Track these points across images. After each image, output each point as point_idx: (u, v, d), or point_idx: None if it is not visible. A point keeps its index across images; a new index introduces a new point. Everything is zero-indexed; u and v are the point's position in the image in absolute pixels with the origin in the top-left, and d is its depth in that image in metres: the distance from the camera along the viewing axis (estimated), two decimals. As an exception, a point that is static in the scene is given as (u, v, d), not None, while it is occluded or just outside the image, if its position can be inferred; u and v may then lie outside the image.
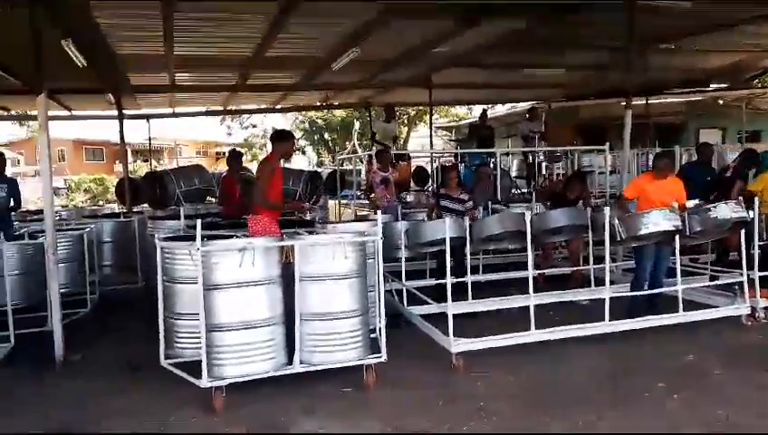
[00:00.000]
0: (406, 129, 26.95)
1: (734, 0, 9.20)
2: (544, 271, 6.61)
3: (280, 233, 4.83)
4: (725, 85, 16.97)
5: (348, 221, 6.61)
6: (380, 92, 15.74)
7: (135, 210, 10.41)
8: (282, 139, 5.14)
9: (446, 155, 14.19)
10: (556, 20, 9.39)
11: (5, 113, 14.10)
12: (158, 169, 14.69)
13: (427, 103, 15.22)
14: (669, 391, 3.89)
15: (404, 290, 5.63)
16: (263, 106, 18.03)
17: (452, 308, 4.68)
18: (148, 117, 15.38)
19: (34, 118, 15.28)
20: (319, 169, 16.64)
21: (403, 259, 5.73)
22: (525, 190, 10.44)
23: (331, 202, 11.21)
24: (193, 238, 3.94)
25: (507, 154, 11.15)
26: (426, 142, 17.41)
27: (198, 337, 3.87)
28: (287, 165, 11.11)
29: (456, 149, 13.05)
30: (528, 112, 13.29)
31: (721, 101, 16.10)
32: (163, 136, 30.55)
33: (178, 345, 4.27)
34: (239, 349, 3.85)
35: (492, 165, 9.82)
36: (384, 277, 4.51)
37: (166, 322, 4.26)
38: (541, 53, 12.44)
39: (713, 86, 17.06)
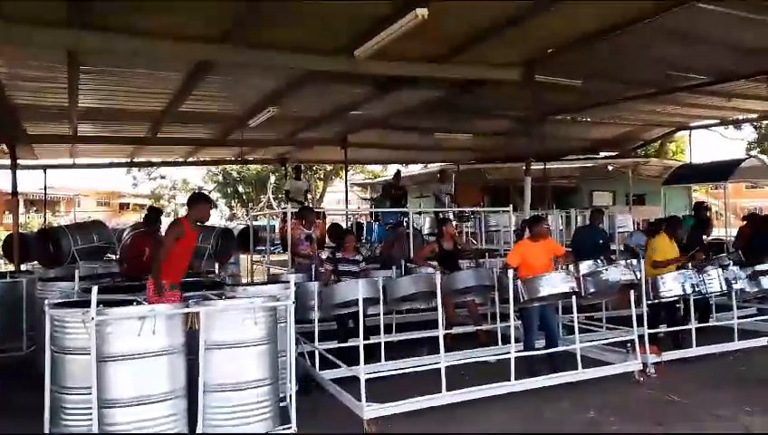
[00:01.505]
0: (322, 184, 27.16)
1: (616, 80, 10.40)
2: (451, 331, 6.74)
3: (180, 298, 4.61)
4: (614, 153, 18.77)
5: (260, 283, 6.44)
6: (297, 149, 15.90)
7: (24, 269, 9.55)
8: (197, 202, 4.90)
9: (360, 213, 14.37)
10: (464, 92, 10.10)
11: None
12: (53, 225, 13.67)
13: (342, 161, 15.49)
14: (572, 449, 4.05)
15: (316, 353, 5.52)
16: (173, 159, 17.53)
17: (364, 372, 4.64)
18: (45, 168, 14.45)
19: None
20: (231, 224, 16.24)
21: (316, 320, 5.65)
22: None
23: (243, 257, 10.93)
24: (87, 304, 3.68)
25: (419, 213, 11.50)
26: (341, 197, 17.60)
27: (89, 414, 3.55)
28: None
29: (371, 207, 13.28)
30: (439, 174, 13.89)
31: (610, 168, 17.71)
32: (62, 185, 28.62)
33: (66, 422, 3.88)
34: (136, 426, 3.57)
35: (405, 224, 10.08)
36: (296, 340, 4.42)
37: (52, 395, 3.88)
38: (452, 120, 13.22)
39: (603, 154, 18.81)
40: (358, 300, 5.07)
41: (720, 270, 6.29)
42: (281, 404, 4.16)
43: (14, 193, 11.78)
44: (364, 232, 10.65)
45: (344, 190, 16.03)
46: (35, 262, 9.62)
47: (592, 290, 5.78)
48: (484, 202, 15.69)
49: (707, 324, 6.86)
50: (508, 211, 10.20)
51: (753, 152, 21.78)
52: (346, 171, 15.86)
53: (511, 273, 5.37)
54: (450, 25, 7.03)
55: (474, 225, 11.49)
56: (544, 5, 6.53)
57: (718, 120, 15.60)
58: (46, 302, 4.35)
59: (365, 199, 20.46)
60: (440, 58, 8.12)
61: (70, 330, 3.92)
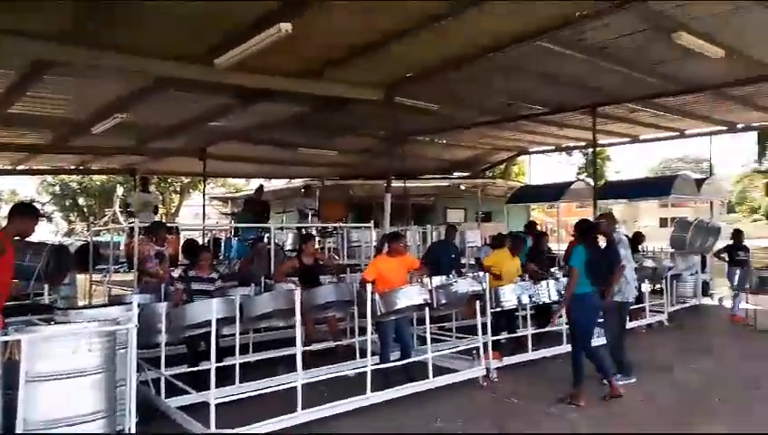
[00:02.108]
0: (178, 197, 25.68)
1: (467, 107, 11.26)
2: (311, 348, 6.71)
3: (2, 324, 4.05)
4: (466, 174, 20.20)
5: (98, 306, 5.88)
6: (149, 160, 14.89)
7: None
8: (21, 214, 4.26)
9: (219, 228, 13.80)
10: (329, 109, 10.25)
11: None
12: None
13: (200, 174, 14.81)
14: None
15: (162, 379, 5.15)
16: (1, 166, 15.46)
17: (215, 396, 4.43)
18: None
19: None
20: (67, 240, 14.64)
21: (163, 344, 5.27)
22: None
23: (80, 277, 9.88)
24: None
25: (281, 229, 11.33)
26: (200, 211, 16.76)
27: None
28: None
29: (231, 222, 12.83)
30: (303, 189, 13.85)
31: (462, 187, 19.03)
32: None
33: None
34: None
35: (266, 239, 9.87)
36: (139, 366, 4.08)
37: None
38: (317, 136, 13.31)
39: (456, 174, 20.16)
40: (211, 321, 4.84)
41: (552, 281, 7.00)
42: (120, 438, 3.81)
43: None
44: (222, 248, 10.24)
45: (201, 204, 15.31)
46: None
47: (444, 301, 6.10)
48: (348, 218, 15.92)
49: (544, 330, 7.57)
50: (370, 227, 10.45)
51: (581, 176, 24.84)
52: (204, 184, 15.18)
53: (369, 287, 5.50)
54: (314, 43, 7.11)
55: (336, 240, 11.58)
56: (402, 34, 6.89)
57: (553, 147, 17.56)
58: None
59: (225, 214, 19.69)
60: (304, 74, 8.16)
61: None
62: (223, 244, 10.41)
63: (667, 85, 9.51)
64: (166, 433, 4.64)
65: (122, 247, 9.31)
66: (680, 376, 6.27)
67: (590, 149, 14.42)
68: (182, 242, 10.22)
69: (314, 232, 11.40)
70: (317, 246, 8.24)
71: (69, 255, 9.38)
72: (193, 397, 4.90)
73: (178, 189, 25.33)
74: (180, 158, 14.65)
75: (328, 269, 8.13)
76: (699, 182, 12.18)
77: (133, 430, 3.80)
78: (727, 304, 10.12)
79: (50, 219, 26.11)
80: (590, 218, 7.33)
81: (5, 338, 3.55)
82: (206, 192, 15.98)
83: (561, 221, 19.14)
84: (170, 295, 6.13)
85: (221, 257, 9.94)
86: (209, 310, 4.94)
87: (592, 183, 12.37)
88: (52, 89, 8.56)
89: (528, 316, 7.17)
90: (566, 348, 6.81)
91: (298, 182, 18.54)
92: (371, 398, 5.11)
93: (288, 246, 11.76)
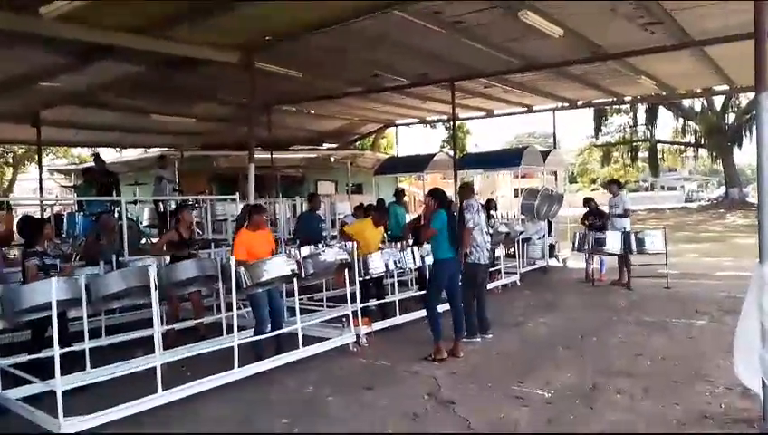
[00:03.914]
0: (11, 170, 22.63)
1: (334, 76, 11.14)
2: (174, 326, 6.35)
3: None
4: (335, 146, 20.20)
5: None
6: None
7: None
8: None
9: (60, 203, 12.40)
10: (181, 71, 9.50)
11: None
12: None
13: (35, 143, 13.10)
14: (292, 426, 4.20)
15: (-3, 370, 4.54)
16: None
17: (61, 383, 4.00)
18: None
19: None
20: None
21: (-5, 332, 4.64)
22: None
23: None
24: None
25: (135, 202, 10.45)
26: (37, 186, 14.89)
27: None
28: None
29: (75, 196, 11.58)
30: (159, 159, 12.91)
31: (332, 159, 19.01)
32: None
33: None
34: None
35: (117, 214, 9.05)
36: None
37: None
38: (170, 101, 12.34)
39: (326, 145, 20.08)
40: (51, 303, 4.32)
41: (415, 248, 7.28)
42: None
43: None
44: (65, 225, 9.20)
45: (38, 178, 13.60)
46: None
47: (312, 271, 6.07)
48: (212, 190, 15.17)
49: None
50: (235, 199, 10.05)
51: (444, 149, 26.07)
52: (39, 155, 13.41)
53: (233, 259, 5.28)
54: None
55: (200, 213, 10.97)
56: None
57: (417, 120, 18.16)
58: None
59: (68, 187, 17.70)
60: (149, 30, 7.43)
61: None
62: (66, 220, 9.34)
63: (515, 62, 10.17)
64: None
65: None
66: (531, 330, 6.91)
67: (451, 123, 15.12)
68: (16, 219, 9.01)
69: (173, 205, 10.72)
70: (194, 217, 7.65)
71: None
72: (37, 386, 4.39)
73: (11, 161, 22.24)
74: (8, 124, 12.81)
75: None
76: (545, 154, 13.34)
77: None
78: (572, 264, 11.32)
79: None
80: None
81: None
82: (46, 164, 14.15)
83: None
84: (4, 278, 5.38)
85: (64, 235, 8.93)
86: (49, 290, 4.41)
87: (453, 155, 13.00)
88: None
89: (396, 283, 7.39)
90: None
91: (154, 152, 17.20)
92: (238, 372, 4.96)
93: (145, 221, 10.95)
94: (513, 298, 8.94)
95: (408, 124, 18.92)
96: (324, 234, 9.37)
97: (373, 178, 15.28)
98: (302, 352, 5.52)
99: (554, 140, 16.91)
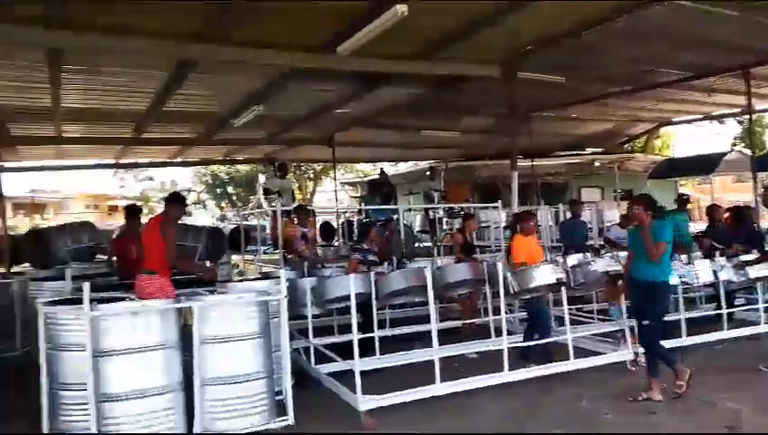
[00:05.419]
0: (312, 184, 27.16)
1: (596, 78, 10.53)
2: (474, 320, 6.80)
3: (175, 293, 4.66)
4: (600, 150, 18.96)
5: (251, 279, 6.46)
6: (285, 148, 15.87)
7: (14, 271, 9.44)
8: (178, 201, 5.21)
9: (350, 211, 14.41)
10: (447, 89, 10.17)
11: None
12: (42, 227, 13.50)
13: (330, 160, 15.51)
14: (565, 436, 4.13)
15: (311, 348, 5.55)
16: (160, 160, 17.43)
17: (359, 365, 4.68)
18: (30, 169, 14.30)
19: None
20: (221, 224, 16.18)
21: (309, 316, 5.67)
22: (429, 244, 10.86)
23: (235, 258, 10.90)
24: (80, 301, 3.69)
25: (409, 210, 11.55)
26: (331, 196, 17.64)
27: (87, 409, 3.55)
28: (187, 220, 10.75)
29: (360, 205, 13.33)
30: (429, 171, 13.97)
31: (597, 163, 17.88)
32: (49, 188, 28.32)
33: (65, 418, 3.86)
34: (134, 419, 3.58)
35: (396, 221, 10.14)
36: (290, 335, 4.44)
37: (50, 393, 3.86)
38: (437, 117, 13.29)
39: (589, 150, 18.99)
40: (350, 295, 5.09)
41: (708, 261, 6.40)
42: (277, 398, 4.19)
43: (1, 196, 11.64)
44: (355, 230, 10.69)
45: (333, 190, 16.07)
46: (26, 264, 9.53)
47: (581, 281, 5.87)
48: (474, 199, 15.78)
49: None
50: (497, 207, 10.28)
51: (737, 147, 22.16)
52: (335, 170, 15.86)
53: (500, 265, 5.45)
54: (429, 23, 7.07)
55: (463, 222, 11.55)
56: (519, 5, 6.61)
57: (701, 116, 15.84)
58: (39, 300, 4.34)
59: (355, 198, 20.51)
60: (420, 55, 8.16)
61: (64, 326, 3.90)
62: (356, 226, 10.86)
63: None
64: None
65: (268, 230, 10.11)
66: None
67: (745, 117, 12.79)
68: (318, 224, 10.86)
69: (441, 213, 11.51)
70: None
71: (224, 237, 10.45)
72: (339, 365, 5.21)
73: (312, 176, 26.77)
74: (311, 145, 15.46)
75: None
76: None
77: (290, 391, 4.14)
78: None
79: (205, 206, 29.00)
80: (749, 195, 6.57)
81: (181, 305, 4.05)
82: (337, 178, 16.69)
83: (716, 199, 17.26)
84: (314, 272, 6.58)
85: (354, 239, 10.39)
86: (348, 285, 5.22)
87: (750, 153, 10.99)
88: (199, 86, 9.41)
89: (680, 299, 6.60)
90: (726, 334, 6.26)
91: (423, 165, 18.70)
92: (508, 375, 5.07)
93: (417, 227, 12.00)
94: None
95: (688, 121, 16.64)
96: (591, 242, 8.93)
97: (648, 183, 13.89)
98: (573, 363, 5.36)
99: None
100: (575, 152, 18.76)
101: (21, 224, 24.10)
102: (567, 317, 5.60)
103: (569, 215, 11.10)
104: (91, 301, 3.63)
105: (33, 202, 29.40)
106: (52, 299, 4.61)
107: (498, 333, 5.78)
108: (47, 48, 6.77)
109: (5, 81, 8.18)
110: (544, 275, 5.62)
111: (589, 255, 6.94)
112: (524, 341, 5.70)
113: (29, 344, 5.86)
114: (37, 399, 3.84)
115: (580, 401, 4.80)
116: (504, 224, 10.17)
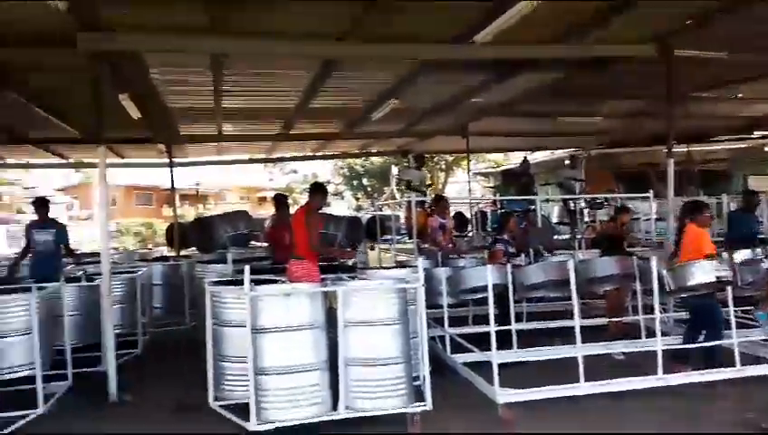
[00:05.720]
0: (443, 175, 27.20)
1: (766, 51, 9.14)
2: (621, 319, 6.39)
3: (320, 278, 4.97)
4: (772, 132, 16.61)
5: (389, 267, 6.66)
6: (418, 141, 16.05)
7: (183, 254, 10.73)
8: (321, 191, 5.65)
9: (483, 201, 14.22)
10: (592, 72, 9.51)
11: (63, 161, 14.93)
12: (206, 215, 15.14)
13: (464, 151, 15.39)
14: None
15: (446, 337, 5.59)
16: (303, 154, 18.56)
17: (497, 357, 4.62)
18: (195, 164, 16.04)
19: (90, 166, 16.16)
20: (358, 214, 16.88)
21: (445, 306, 5.72)
22: (568, 237, 10.38)
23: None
24: (239, 283, 4.08)
25: (547, 201, 11.09)
26: (462, 188, 17.52)
27: (246, 380, 3.94)
28: (326, 210, 11.37)
29: (495, 195, 13.08)
30: (570, 159, 13.30)
31: (767, 148, 15.74)
32: (209, 181, 31.52)
33: (226, 387, 4.33)
34: (285, 393, 3.89)
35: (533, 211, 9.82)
36: (427, 323, 4.51)
37: (214, 364, 4.35)
38: (576, 103, 12.54)
39: (758, 133, 16.73)
40: (487, 286, 5.03)
41: None
42: (415, 383, 4.28)
43: (173, 188, 13.27)
44: (489, 221, 10.54)
45: (466, 181, 15.96)
46: (192, 248, 10.78)
47: (750, 280, 5.22)
48: (619, 189, 14.73)
49: None
50: (648, 197, 9.48)
51: None
52: (468, 160, 15.72)
53: (654, 260, 5.01)
54: (572, 4, 6.66)
55: (608, 212, 10.83)
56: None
57: None
58: (206, 281, 4.89)
59: (488, 188, 20.17)
60: (561, 38, 7.71)
61: (227, 305, 4.36)
62: (489, 216, 10.71)
63: None
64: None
65: (402, 220, 10.35)
66: None
67: None
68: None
69: (583, 203, 10.91)
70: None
71: (361, 226, 10.92)
72: (476, 355, 5.20)
73: (443, 167, 26.80)
74: (445, 136, 15.44)
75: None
76: None
77: (428, 377, 4.22)
78: None
79: (342, 197, 30.43)
80: None
81: (327, 288, 4.30)
82: (470, 168, 16.53)
83: None
84: (447, 263, 6.60)
85: (488, 229, 10.25)
86: (484, 275, 5.17)
87: None
88: (341, 83, 9.83)
89: None
90: None
91: (560, 153, 17.83)
92: (661, 379, 4.68)
93: (554, 219, 11.50)
94: None
95: None
96: (762, 237, 7.88)
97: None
98: (739, 371, 4.80)
99: None
100: (741, 136, 16.64)
101: (187, 213, 27.19)
102: (733, 320, 5.02)
103: (733, 206, 9.95)
104: (250, 282, 4.00)
105: (197, 193, 32.95)
106: (216, 280, 5.17)
107: (650, 333, 5.35)
108: (211, 54, 7.50)
109: (174, 85, 9.24)
110: (705, 272, 5.06)
111: (759, 250, 6.13)
112: (684, 342, 5.19)
113: (196, 320, 6.61)
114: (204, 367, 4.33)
115: (745, 414, 4.30)
116: (655, 216, 9.38)
